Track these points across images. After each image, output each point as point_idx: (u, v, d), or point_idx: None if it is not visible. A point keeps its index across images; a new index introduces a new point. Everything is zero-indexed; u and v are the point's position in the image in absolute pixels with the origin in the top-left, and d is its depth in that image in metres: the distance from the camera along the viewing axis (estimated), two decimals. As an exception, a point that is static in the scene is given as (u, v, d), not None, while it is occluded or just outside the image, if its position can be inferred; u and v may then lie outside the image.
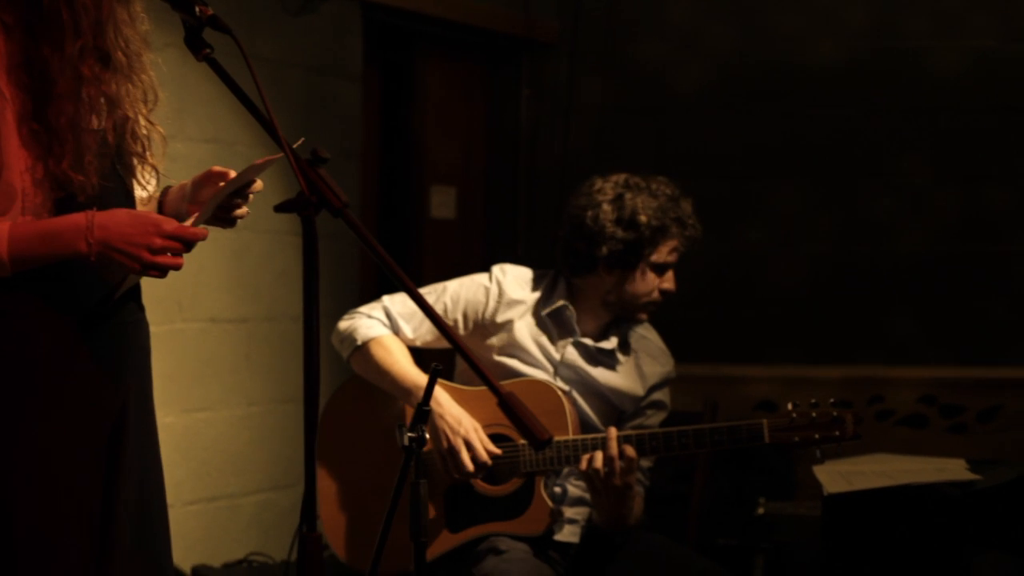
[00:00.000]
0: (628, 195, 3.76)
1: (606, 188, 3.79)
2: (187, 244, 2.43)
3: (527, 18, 6.35)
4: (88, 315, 2.48)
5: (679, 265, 3.84)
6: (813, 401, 3.56)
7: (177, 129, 4.58)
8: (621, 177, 3.81)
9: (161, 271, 2.41)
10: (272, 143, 2.33)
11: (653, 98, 6.44)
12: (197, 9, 2.37)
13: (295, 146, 2.30)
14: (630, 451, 3.53)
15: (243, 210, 2.61)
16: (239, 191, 2.56)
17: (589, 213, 3.76)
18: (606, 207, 3.75)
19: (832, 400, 3.56)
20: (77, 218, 2.40)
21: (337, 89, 5.42)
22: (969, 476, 3.46)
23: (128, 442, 2.55)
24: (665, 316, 3.94)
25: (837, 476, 3.52)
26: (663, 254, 3.77)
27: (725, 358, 6.04)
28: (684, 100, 6.39)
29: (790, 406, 3.55)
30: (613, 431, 3.56)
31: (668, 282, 3.81)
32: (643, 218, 3.73)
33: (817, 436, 3.53)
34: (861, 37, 6.27)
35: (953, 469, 3.54)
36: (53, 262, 2.42)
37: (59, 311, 2.46)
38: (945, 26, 6.19)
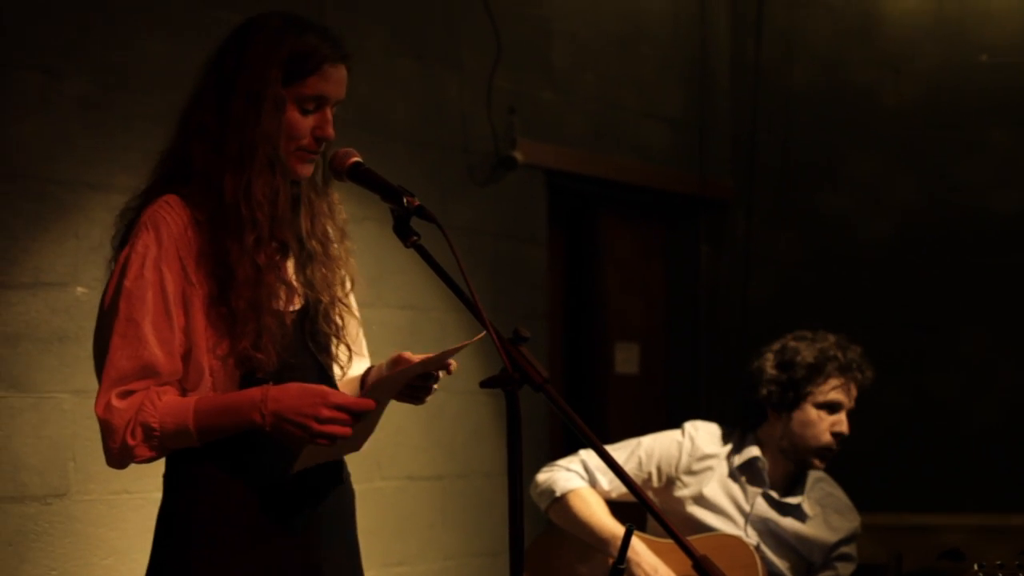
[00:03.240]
0: (792, 343, 3.95)
1: (775, 342, 3.99)
2: (354, 415, 2.55)
3: (702, 177, 6.52)
4: (275, 481, 2.63)
5: (860, 414, 3.93)
6: (999, 563, 3.61)
7: (375, 296, 4.82)
8: (792, 333, 3.99)
9: (329, 439, 2.54)
10: (465, 311, 2.47)
11: (834, 249, 6.51)
12: (405, 200, 2.54)
13: (508, 337, 2.41)
14: None
15: (432, 390, 2.71)
16: (428, 373, 2.67)
17: (755, 363, 3.99)
18: (769, 355, 3.98)
19: (1018, 563, 3.61)
20: (253, 392, 2.56)
21: (524, 252, 5.63)
22: None
23: None
24: (850, 463, 4.00)
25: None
26: (826, 393, 3.89)
27: (911, 507, 6.02)
28: (866, 251, 6.45)
29: (976, 567, 3.62)
30: None
31: (840, 424, 3.91)
32: (799, 358, 3.91)
33: (1002, 594, 3.58)
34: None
35: None
36: (235, 432, 2.58)
37: (244, 477, 2.62)
38: None
